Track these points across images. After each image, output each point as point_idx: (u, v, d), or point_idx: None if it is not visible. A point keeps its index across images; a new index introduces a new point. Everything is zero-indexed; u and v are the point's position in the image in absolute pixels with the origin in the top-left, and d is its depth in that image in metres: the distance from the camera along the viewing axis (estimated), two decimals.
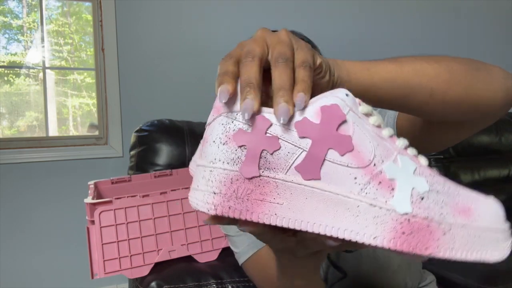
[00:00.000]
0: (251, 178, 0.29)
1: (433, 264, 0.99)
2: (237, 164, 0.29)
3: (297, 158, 0.28)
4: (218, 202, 0.29)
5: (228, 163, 0.29)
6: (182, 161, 1.29)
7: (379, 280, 0.73)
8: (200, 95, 2.10)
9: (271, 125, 0.29)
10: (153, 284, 0.79)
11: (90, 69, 2.09)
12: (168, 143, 1.30)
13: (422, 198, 0.28)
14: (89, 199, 0.82)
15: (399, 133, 0.58)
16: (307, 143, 0.28)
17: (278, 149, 0.29)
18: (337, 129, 0.28)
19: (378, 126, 0.30)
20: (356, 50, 2.37)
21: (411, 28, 2.56)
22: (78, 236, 1.60)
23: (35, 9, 2.00)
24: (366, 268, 0.72)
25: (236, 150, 0.29)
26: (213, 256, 0.88)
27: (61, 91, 2.12)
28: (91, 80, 2.10)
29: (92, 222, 0.80)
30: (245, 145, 0.29)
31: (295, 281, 0.49)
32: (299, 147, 0.28)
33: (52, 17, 2.08)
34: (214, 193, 0.30)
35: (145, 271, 0.81)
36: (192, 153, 1.33)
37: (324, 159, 0.28)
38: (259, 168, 0.29)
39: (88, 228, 0.80)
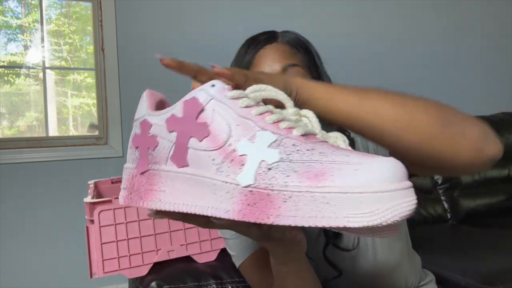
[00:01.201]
0: (143, 173, 0.34)
1: (433, 264, 0.99)
2: (135, 162, 0.35)
3: (170, 150, 0.33)
4: (125, 195, 0.36)
5: (131, 163, 0.36)
6: None
7: (378, 279, 0.73)
8: None
9: (151, 126, 0.34)
10: (153, 284, 0.79)
11: (90, 69, 2.09)
12: None
13: (270, 169, 0.29)
14: (88, 199, 0.82)
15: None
16: (174, 136, 0.32)
17: (157, 146, 0.34)
18: (196, 118, 0.32)
19: (247, 107, 0.32)
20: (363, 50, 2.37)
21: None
22: (77, 236, 1.60)
23: (35, 9, 2.00)
24: (364, 267, 0.72)
25: (134, 151, 0.35)
26: (212, 256, 0.88)
27: (61, 91, 2.12)
28: (91, 80, 2.10)
29: (92, 221, 0.79)
30: (138, 146, 0.35)
31: (283, 269, 0.52)
32: (170, 141, 0.33)
33: (51, 17, 2.08)
34: (124, 189, 0.36)
35: (144, 271, 0.81)
36: None
37: (188, 147, 0.32)
38: (149, 163, 0.34)
39: (87, 228, 0.79)
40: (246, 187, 0.29)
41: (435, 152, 0.42)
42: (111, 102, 1.99)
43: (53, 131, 2.04)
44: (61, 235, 1.92)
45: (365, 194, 0.25)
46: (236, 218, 0.29)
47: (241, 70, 0.38)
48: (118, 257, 0.78)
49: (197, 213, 0.31)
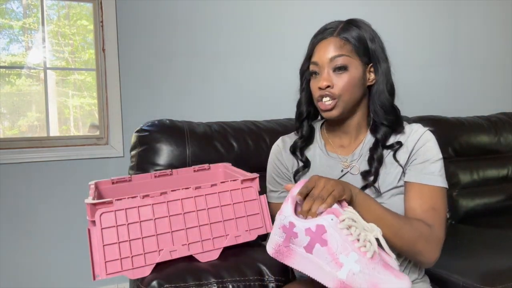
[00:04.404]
0: (286, 246, 0.68)
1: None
2: (282, 238, 0.69)
3: (304, 243, 0.65)
4: (273, 252, 0.71)
5: (279, 236, 0.69)
6: (182, 161, 1.30)
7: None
8: (200, 95, 2.11)
9: (295, 226, 0.66)
10: (154, 283, 0.80)
11: (91, 69, 2.10)
12: (168, 143, 1.30)
13: (354, 274, 0.61)
14: (89, 200, 0.82)
15: None
16: (308, 238, 0.65)
17: (297, 238, 0.66)
18: (321, 235, 0.64)
19: (348, 235, 0.64)
20: None
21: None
22: (78, 236, 1.61)
23: (36, 10, 2.01)
24: None
25: (282, 232, 0.68)
26: (214, 255, 0.88)
27: (62, 91, 2.12)
28: (92, 80, 2.11)
29: (93, 222, 0.80)
30: (285, 232, 0.68)
31: None
32: (305, 239, 0.65)
33: (52, 18, 2.08)
34: (271, 244, 0.71)
35: (147, 271, 0.81)
36: (193, 153, 1.34)
37: (314, 246, 0.64)
38: (290, 243, 0.68)
39: (89, 230, 0.80)
40: (340, 279, 0.61)
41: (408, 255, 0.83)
42: (112, 102, 2.00)
43: (54, 131, 2.04)
44: (62, 235, 1.93)
45: None
46: None
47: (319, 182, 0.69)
48: (121, 259, 0.79)
49: (309, 275, 0.65)
